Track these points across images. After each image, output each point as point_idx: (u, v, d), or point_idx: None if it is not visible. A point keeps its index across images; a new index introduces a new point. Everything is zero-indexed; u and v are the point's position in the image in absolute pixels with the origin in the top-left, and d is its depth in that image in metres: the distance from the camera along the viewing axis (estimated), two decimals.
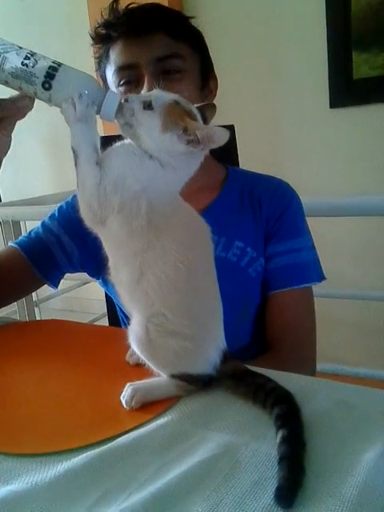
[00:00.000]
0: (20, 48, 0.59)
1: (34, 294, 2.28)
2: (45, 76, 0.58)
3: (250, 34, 2.36)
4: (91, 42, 0.93)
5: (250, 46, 2.37)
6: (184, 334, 0.58)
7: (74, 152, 0.58)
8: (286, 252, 0.94)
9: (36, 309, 2.29)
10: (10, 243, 0.98)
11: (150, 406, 0.58)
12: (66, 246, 0.97)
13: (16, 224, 2.04)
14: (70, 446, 0.52)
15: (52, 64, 0.58)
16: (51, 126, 2.58)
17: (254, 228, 0.95)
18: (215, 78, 1.00)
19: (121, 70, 0.88)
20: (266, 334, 0.96)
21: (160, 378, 0.60)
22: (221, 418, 0.55)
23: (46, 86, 0.58)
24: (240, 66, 2.33)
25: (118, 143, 0.62)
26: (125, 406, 0.58)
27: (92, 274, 1.04)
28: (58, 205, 1.02)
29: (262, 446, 0.50)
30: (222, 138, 0.56)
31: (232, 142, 1.24)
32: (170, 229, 0.58)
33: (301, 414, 0.52)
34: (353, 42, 2.19)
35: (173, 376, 0.59)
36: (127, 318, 1.02)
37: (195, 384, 0.59)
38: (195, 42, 0.93)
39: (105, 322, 2.19)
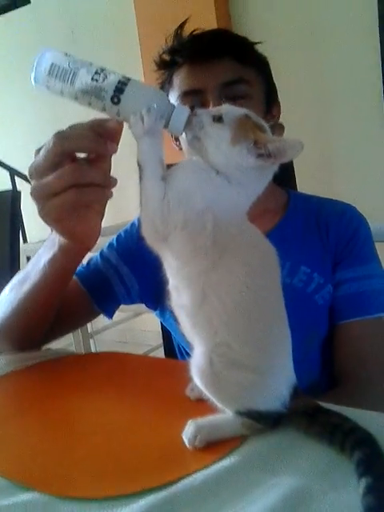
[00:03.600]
0: (90, 64, 0.59)
1: (88, 325, 2.30)
2: (114, 91, 0.57)
3: (303, 54, 2.36)
4: (155, 68, 0.93)
5: (304, 66, 2.36)
6: (251, 365, 0.54)
7: (139, 166, 0.56)
8: (356, 279, 0.89)
9: (91, 340, 2.30)
10: None
11: (214, 446, 0.53)
12: (124, 277, 0.95)
13: None
14: (129, 490, 0.48)
15: (121, 79, 0.58)
16: None
17: (321, 253, 0.91)
18: (278, 104, 0.97)
19: (186, 95, 0.88)
20: (335, 367, 0.89)
21: (225, 415, 0.56)
22: (293, 462, 0.49)
23: (115, 100, 0.57)
24: (294, 86, 2.31)
25: (185, 159, 0.60)
26: (187, 445, 0.53)
27: (150, 306, 1.02)
28: (116, 233, 1.02)
29: (342, 495, 0.44)
30: (295, 150, 0.53)
31: (289, 166, 1.21)
32: (236, 249, 0.55)
33: None
34: None
35: (239, 413, 0.54)
36: (184, 349, 0.99)
37: (263, 422, 0.54)
38: (261, 67, 0.92)
39: (159, 353, 2.17)
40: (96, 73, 0.58)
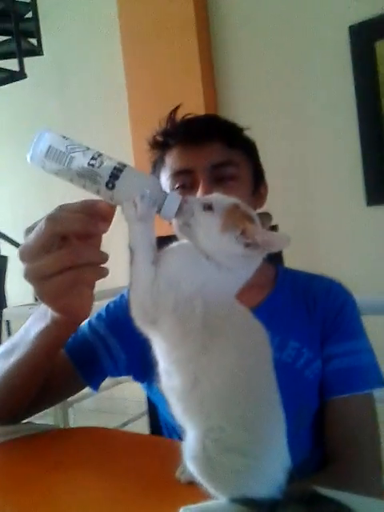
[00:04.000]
0: (87, 149, 0.61)
1: None
2: (109, 176, 0.59)
3: (280, 131, 2.47)
4: (147, 147, 0.98)
5: (281, 143, 2.46)
6: (245, 449, 0.52)
7: (130, 250, 0.57)
8: (344, 354, 0.90)
9: (70, 409, 2.22)
10: None
11: None
12: (112, 349, 0.94)
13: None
14: None
15: (117, 165, 0.59)
16: None
17: (310, 328, 0.92)
18: (265, 184, 1.02)
19: (177, 174, 0.92)
20: (326, 445, 0.88)
21: (218, 502, 0.53)
22: None
23: (110, 185, 0.59)
24: (273, 164, 2.41)
25: (176, 243, 0.61)
26: None
27: (137, 378, 1.00)
28: (105, 304, 1.02)
29: None
30: (282, 243, 0.55)
31: None
32: (226, 332, 0.55)
33: None
34: None
35: (233, 499, 0.53)
36: (171, 425, 0.96)
37: (258, 509, 0.52)
38: (248, 150, 0.97)
39: (141, 422, 2.10)
40: (92, 158, 0.59)
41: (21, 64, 2.78)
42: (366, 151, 2.31)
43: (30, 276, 0.61)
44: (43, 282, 0.61)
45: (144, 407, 2.14)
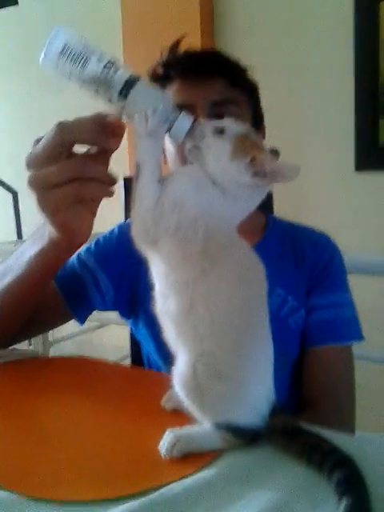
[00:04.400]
0: (104, 53, 0.58)
1: (50, 333, 2.24)
2: (124, 84, 0.57)
3: (276, 93, 2.42)
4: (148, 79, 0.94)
5: (277, 104, 2.41)
6: (234, 377, 0.53)
7: (137, 166, 0.56)
8: (328, 306, 0.91)
9: (51, 349, 2.24)
10: None
11: (191, 458, 0.52)
12: (100, 283, 0.94)
13: None
14: (105, 495, 0.46)
15: (132, 74, 0.58)
16: None
17: (296, 277, 0.92)
18: (264, 128, 1.00)
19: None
20: (303, 391, 0.90)
21: (204, 427, 0.55)
22: (272, 478, 0.49)
23: (124, 93, 0.57)
24: (267, 117, 2.37)
25: (185, 166, 0.60)
26: (164, 453, 0.52)
27: (123, 314, 1.01)
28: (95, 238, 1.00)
29: None
30: (290, 173, 0.54)
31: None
32: (226, 260, 0.55)
33: (365, 481, 0.46)
34: (380, 108, 2.22)
35: (218, 425, 0.54)
36: (155, 363, 0.97)
37: (241, 437, 0.54)
38: (250, 91, 0.94)
39: None
40: (109, 62, 0.58)
41: None
42: (360, 115, 2.28)
43: (34, 183, 0.60)
44: (46, 191, 0.60)
45: (123, 353, 2.18)
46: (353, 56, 2.25)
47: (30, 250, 0.74)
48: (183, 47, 0.94)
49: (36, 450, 0.55)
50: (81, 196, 0.61)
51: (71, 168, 0.59)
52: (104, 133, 0.59)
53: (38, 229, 0.72)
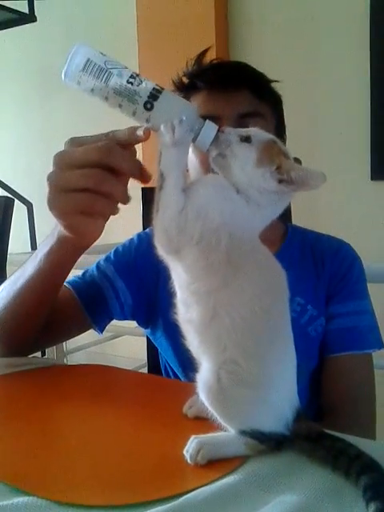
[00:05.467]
0: (125, 67, 0.60)
1: (64, 344, 2.25)
2: (148, 96, 0.58)
3: (290, 104, 2.43)
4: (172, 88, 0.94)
5: (290, 115, 2.42)
6: (258, 384, 0.53)
7: (161, 175, 0.56)
8: (348, 314, 0.91)
9: (64, 359, 2.25)
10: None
11: (216, 464, 0.52)
12: (119, 292, 0.94)
13: None
14: (130, 501, 0.46)
15: (156, 86, 0.59)
16: None
17: (315, 286, 0.92)
18: (285, 141, 1.00)
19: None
20: (322, 400, 0.89)
21: (228, 434, 0.55)
22: (298, 483, 0.49)
23: (148, 106, 0.58)
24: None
25: (208, 174, 0.61)
26: (189, 460, 0.52)
27: (141, 324, 1.01)
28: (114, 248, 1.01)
29: None
30: (317, 180, 0.54)
31: None
32: (248, 268, 0.55)
33: None
34: None
35: (242, 432, 0.54)
36: (173, 372, 0.97)
37: (266, 443, 0.54)
38: (275, 103, 0.95)
39: None
40: (132, 77, 0.59)
41: (31, 5, 2.68)
42: (376, 125, 2.28)
43: (53, 182, 0.62)
44: (61, 192, 0.61)
45: (137, 363, 2.18)
46: (369, 66, 2.25)
47: (42, 250, 0.76)
48: (206, 55, 0.94)
49: (60, 456, 0.56)
50: (91, 208, 0.62)
51: (93, 179, 0.60)
52: (140, 167, 0.61)
53: (52, 230, 0.74)
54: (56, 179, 0.62)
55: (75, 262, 0.79)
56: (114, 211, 0.64)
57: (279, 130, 0.96)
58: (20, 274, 0.80)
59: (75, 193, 0.61)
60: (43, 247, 0.76)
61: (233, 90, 0.88)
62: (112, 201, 0.62)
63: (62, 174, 0.61)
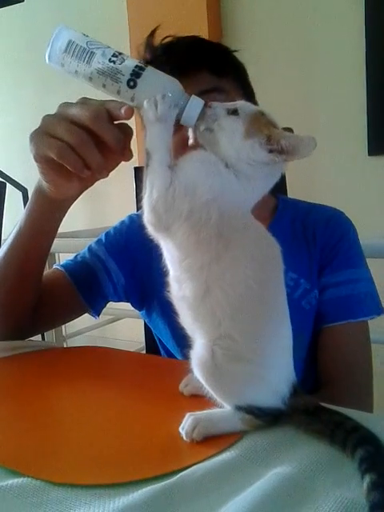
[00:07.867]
0: (108, 47, 0.59)
1: (63, 327, 2.25)
2: (131, 74, 0.57)
3: (288, 79, 2.40)
4: None
5: (288, 91, 2.39)
6: (253, 359, 0.53)
7: (147, 153, 0.56)
8: (341, 283, 0.89)
9: (64, 344, 2.25)
10: (54, 266, 0.96)
11: (212, 440, 0.52)
12: (112, 272, 0.94)
13: (51, 256, 2.03)
14: (128, 478, 0.46)
15: (139, 63, 0.58)
16: None
17: (308, 259, 0.91)
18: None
19: None
20: (319, 370, 0.89)
21: (224, 410, 0.54)
22: (294, 458, 0.48)
23: (131, 83, 0.57)
24: (277, 112, 2.35)
25: (195, 150, 0.59)
26: (184, 437, 0.52)
27: (135, 305, 1.00)
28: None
29: (346, 492, 0.43)
30: (308, 147, 0.53)
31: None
32: (240, 242, 0.54)
33: None
34: None
35: (238, 408, 0.53)
36: (170, 352, 0.97)
37: (262, 418, 0.53)
38: (237, 75, 0.90)
39: None
40: (114, 55, 0.58)
41: None
42: (372, 100, 2.25)
43: (44, 123, 0.65)
44: (45, 135, 0.64)
45: (137, 346, 2.19)
46: (364, 41, 2.22)
47: (23, 214, 0.79)
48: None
49: (56, 436, 0.56)
50: (62, 158, 0.63)
51: (74, 136, 0.62)
52: (123, 142, 0.63)
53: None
54: (48, 122, 0.65)
55: (55, 229, 0.81)
56: (87, 177, 0.65)
57: (248, 99, 0.93)
58: (4, 245, 0.82)
59: (55, 139, 0.63)
60: (24, 212, 0.78)
61: (189, 71, 0.81)
62: (86, 166, 0.63)
63: (54, 120, 0.64)
